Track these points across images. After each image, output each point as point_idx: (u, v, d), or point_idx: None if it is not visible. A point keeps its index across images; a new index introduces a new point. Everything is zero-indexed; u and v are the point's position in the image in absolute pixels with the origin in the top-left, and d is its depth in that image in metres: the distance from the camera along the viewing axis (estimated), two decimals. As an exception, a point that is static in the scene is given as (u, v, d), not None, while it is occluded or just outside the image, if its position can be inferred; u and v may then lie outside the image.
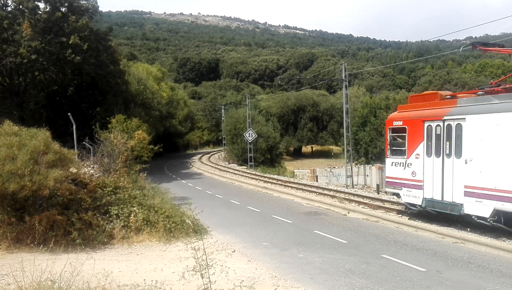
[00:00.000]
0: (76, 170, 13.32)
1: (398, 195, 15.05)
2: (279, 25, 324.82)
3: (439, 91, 14.43)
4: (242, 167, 40.31)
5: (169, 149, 57.96)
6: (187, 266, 7.96)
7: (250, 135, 40.14)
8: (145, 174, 17.73)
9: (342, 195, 18.99)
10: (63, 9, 32.26)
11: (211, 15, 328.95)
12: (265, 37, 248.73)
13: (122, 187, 13.29)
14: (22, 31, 29.34)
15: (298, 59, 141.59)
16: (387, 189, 16.23)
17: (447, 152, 12.75)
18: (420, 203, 13.62)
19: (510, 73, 13.54)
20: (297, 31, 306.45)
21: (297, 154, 69.78)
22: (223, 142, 56.64)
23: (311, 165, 51.16)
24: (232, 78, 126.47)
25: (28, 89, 33.21)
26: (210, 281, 6.44)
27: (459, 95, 13.70)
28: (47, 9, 31.60)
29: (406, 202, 14.50)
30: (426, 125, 13.50)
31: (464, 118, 12.20)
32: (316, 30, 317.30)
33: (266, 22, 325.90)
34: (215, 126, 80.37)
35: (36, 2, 31.23)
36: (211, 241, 11.72)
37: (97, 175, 14.77)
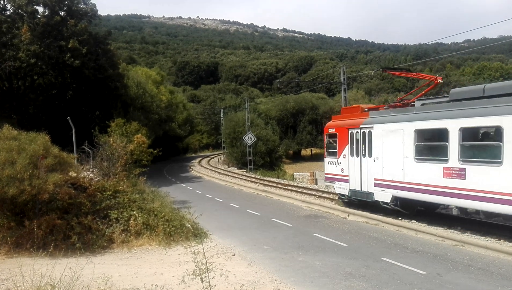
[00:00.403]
0: (75, 174, 13.30)
1: (334, 187, 18.46)
2: (278, 29, 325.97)
3: (361, 105, 18.00)
4: (242, 170, 40.30)
5: (168, 152, 57.93)
6: (187, 270, 7.94)
7: (249, 139, 40.17)
8: (145, 178, 17.70)
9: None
10: (62, 13, 32.32)
11: (210, 19, 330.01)
12: (264, 40, 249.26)
13: (121, 191, 13.28)
14: (21, 35, 29.40)
15: (297, 62, 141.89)
16: (326, 183, 20.15)
17: (363, 153, 16.14)
18: (347, 194, 17.05)
19: (414, 89, 17.49)
20: (296, 35, 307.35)
21: (297, 157, 69.79)
22: (223, 145, 56.64)
23: (310, 168, 51.12)
24: (231, 81, 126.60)
25: (27, 93, 33.24)
26: (210, 285, 6.42)
27: (380, 107, 17.01)
28: (46, 13, 31.66)
29: (338, 193, 18.06)
30: (350, 132, 16.92)
31: (372, 127, 15.67)
32: (314, 33, 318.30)
33: (264, 26, 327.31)
34: (214, 129, 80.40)
35: (35, 6, 31.31)
36: (211, 244, 11.71)
37: (96, 179, 14.76)
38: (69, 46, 29.97)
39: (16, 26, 30.34)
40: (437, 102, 14.09)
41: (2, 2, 31.70)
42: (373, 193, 15.51)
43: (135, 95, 42.89)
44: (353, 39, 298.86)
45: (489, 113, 11.24)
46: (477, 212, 13.50)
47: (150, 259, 10.46)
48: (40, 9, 31.92)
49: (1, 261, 9.96)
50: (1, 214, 11.05)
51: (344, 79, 29.66)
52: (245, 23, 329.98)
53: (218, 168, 42.22)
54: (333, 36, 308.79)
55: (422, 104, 14.43)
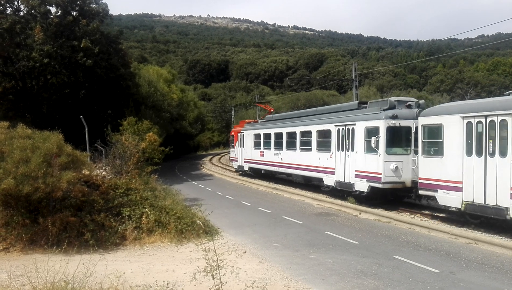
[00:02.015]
0: (88, 172, 13.46)
1: (232, 165, 34.74)
2: (288, 26, 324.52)
3: (246, 120, 34.40)
4: (253, 168, 40.31)
5: (179, 150, 58.15)
6: (198, 267, 8.00)
7: (260, 136, 40.26)
8: (156, 176, 17.81)
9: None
10: (74, 13, 32.59)
11: (220, 17, 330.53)
12: (274, 38, 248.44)
13: (133, 188, 13.40)
14: (34, 35, 29.74)
15: (308, 59, 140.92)
16: (230, 163, 36.27)
17: (242, 146, 31.09)
18: (236, 167, 32.95)
19: (269, 112, 34.78)
20: (306, 32, 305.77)
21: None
22: (233, 143, 56.69)
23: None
24: (242, 79, 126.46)
25: (40, 92, 33.66)
26: (221, 282, 6.44)
27: (249, 122, 33.78)
28: (59, 13, 31.98)
29: (234, 167, 34.16)
30: (238, 134, 32.24)
31: (244, 132, 30.84)
32: (325, 30, 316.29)
33: (275, 23, 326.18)
34: (225, 127, 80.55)
35: (48, 7, 31.63)
36: (222, 242, 11.75)
37: (109, 177, 14.90)
38: (81, 46, 30.22)
39: (29, 27, 30.70)
40: (262, 122, 30.38)
41: (15, 3, 32.13)
42: (243, 166, 30.97)
43: (146, 94, 43.17)
44: (365, 35, 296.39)
45: (268, 127, 26.91)
46: (271, 172, 27.09)
47: (162, 256, 10.54)
48: (53, 9, 32.26)
49: (16, 258, 10.14)
50: (16, 212, 11.24)
51: (355, 76, 29.49)
52: (255, 20, 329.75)
53: (229, 166, 42.24)
54: (344, 32, 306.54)
55: (261, 122, 30.84)
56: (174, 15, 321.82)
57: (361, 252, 10.57)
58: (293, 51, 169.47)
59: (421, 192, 14.14)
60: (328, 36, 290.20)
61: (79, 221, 11.25)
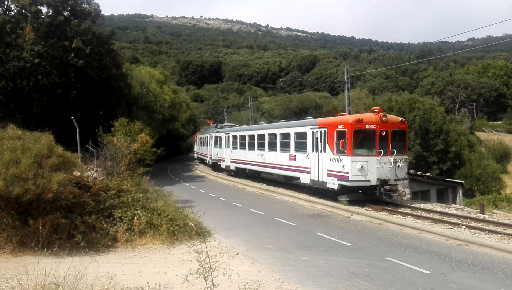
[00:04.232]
0: (79, 174, 13.37)
1: (195, 156, 54.62)
2: (281, 28, 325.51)
3: (201, 129, 54.83)
4: (245, 169, 40.43)
5: (172, 152, 57.97)
6: (190, 269, 7.98)
7: (252, 138, 40.57)
8: (148, 177, 17.73)
9: (344, 198, 18.90)
10: (65, 13, 32.29)
11: (213, 18, 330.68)
12: (267, 39, 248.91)
13: (125, 190, 13.33)
14: (25, 35, 29.43)
15: (300, 61, 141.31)
16: (193, 155, 57.68)
17: (196, 144, 51.96)
18: (194, 156, 55.79)
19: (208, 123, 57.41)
20: (299, 34, 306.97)
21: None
22: (226, 144, 56.72)
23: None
24: (235, 80, 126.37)
25: (31, 93, 33.33)
26: (213, 284, 6.42)
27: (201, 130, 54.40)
28: (50, 13, 31.67)
29: (194, 157, 55.56)
30: (196, 137, 52.93)
31: (197, 136, 51.73)
32: (318, 32, 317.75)
33: (268, 25, 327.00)
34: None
35: (39, 6, 31.31)
36: (214, 243, 11.72)
37: (100, 179, 14.82)
38: (72, 46, 29.94)
39: (20, 26, 30.36)
40: (202, 131, 48.68)
41: (6, 2, 31.76)
42: (195, 156, 53.46)
43: (138, 95, 42.87)
44: (357, 37, 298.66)
45: (201, 134, 47.14)
46: (202, 159, 45.68)
47: (154, 258, 10.49)
48: (44, 9, 31.90)
49: (6, 260, 10.03)
50: (6, 213, 11.12)
51: (347, 78, 29.62)
52: (248, 22, 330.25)
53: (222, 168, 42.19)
54: (336, 34, 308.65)
55: (203, 130, 48.59)
56: (167, 16, 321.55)
57: (353, 253, 10.61)
58: (286, 53, 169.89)
59: (218, 162, 34.31)
60: (320, 38, 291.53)
61: (70, 223, 11.16)
